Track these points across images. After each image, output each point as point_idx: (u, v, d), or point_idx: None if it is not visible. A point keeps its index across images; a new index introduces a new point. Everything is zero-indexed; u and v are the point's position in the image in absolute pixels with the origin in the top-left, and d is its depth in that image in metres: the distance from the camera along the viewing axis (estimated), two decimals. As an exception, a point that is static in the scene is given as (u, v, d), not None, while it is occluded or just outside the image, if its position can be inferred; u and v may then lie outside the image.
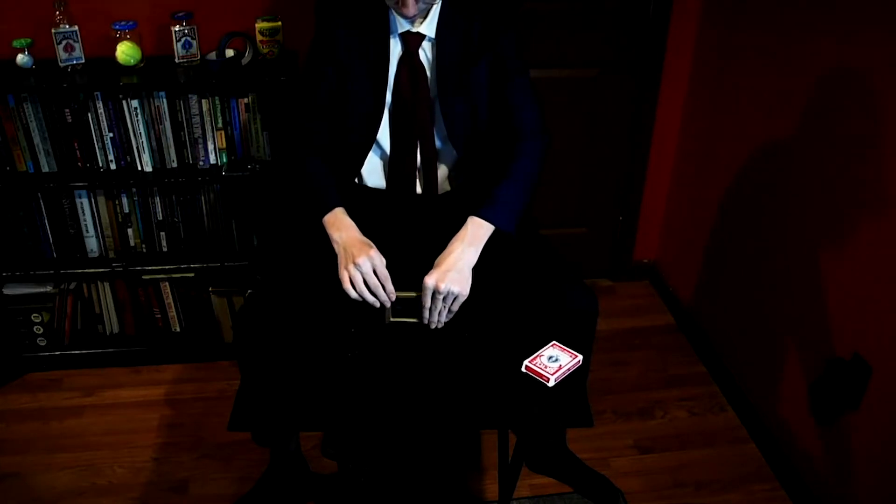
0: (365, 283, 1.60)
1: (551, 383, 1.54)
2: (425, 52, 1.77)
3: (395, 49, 1.76)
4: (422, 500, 2.06)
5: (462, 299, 1.61)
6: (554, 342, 1.62)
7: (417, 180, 1.86)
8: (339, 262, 1.63)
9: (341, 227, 1.67)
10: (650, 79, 2.60)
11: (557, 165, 2.71)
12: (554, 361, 1.57)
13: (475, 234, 1.65)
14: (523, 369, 1.57)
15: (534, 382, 1.55)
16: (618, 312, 2.81)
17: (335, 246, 1.66)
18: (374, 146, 1.84)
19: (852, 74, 1.79)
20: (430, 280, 1.59)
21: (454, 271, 1.60)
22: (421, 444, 2.19)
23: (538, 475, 2.11)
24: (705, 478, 2.12)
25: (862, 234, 1.78)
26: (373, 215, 1.86)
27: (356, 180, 1.90)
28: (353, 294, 1.60)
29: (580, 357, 1.59)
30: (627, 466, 2.16)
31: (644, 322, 2.77)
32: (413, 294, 1.64)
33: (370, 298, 1.61)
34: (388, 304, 1.63)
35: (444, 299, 1.60)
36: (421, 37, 1.75)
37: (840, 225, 1.85)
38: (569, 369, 1.57)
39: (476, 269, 1.66)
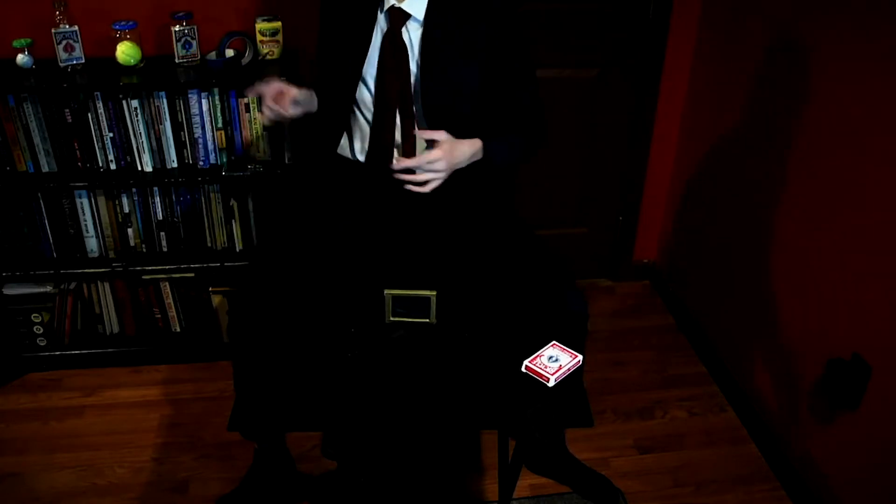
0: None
1: (551, 383, 1.54)
2: (409, 32, 1.78)
3: (383, 25, 1.79)
4: (422, 501, 2.06)
5: (441, 167, 1.71)
6: (554, 342, 1.62)
7: (395, 154, 1.87)
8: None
9: None
10: (650, 79, 2.60)
11: (557, 165, 2.71)
12: (554, 361, 1.57)
13: (477, 150, 1.77)
14: (523, 369, 1.57)
15: (534, 382, 1.55)
16: (618, 312, 2.81)
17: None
18: (364, 121, 1.86)
19: (854, 74, 1.79)
20: (438, 157, 1.68)
21: (458, 162, 1.74)
22: (421, 444, 2.19)
23: (538, 475, 2.10)
24: (705, 478, 2.12)
25: (862, 234, 1.78)
26: (354, 189, 1.88)
27: (339, 152, 1.93)
28: (268, 115, 1.73)
29: (580, 357, 1.59)
30: (627, 466, 2.15)
31: (644, 322, 2.77)
32: (413, 293, 1.64)
33: (275, 109, 1.72)
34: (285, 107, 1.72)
35: (435, 167, 1.70)
36: (405, 15, 1.76)
37: (840, 225, 1.85)
38: (569, 369, 1.57)
39: (475, 269, 1.68)
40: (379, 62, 1.79)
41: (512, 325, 1.72)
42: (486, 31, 1.76)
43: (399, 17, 1.76)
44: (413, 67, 1.79)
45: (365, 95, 1.83)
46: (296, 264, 1.82)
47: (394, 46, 1.77)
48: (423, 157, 1.68)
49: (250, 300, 1.76)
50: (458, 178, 1.91)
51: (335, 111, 1.88)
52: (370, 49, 1.79)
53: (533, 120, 1.88)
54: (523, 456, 2.08)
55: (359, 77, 1.81)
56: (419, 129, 1.80)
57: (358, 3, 1.81)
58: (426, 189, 1.71)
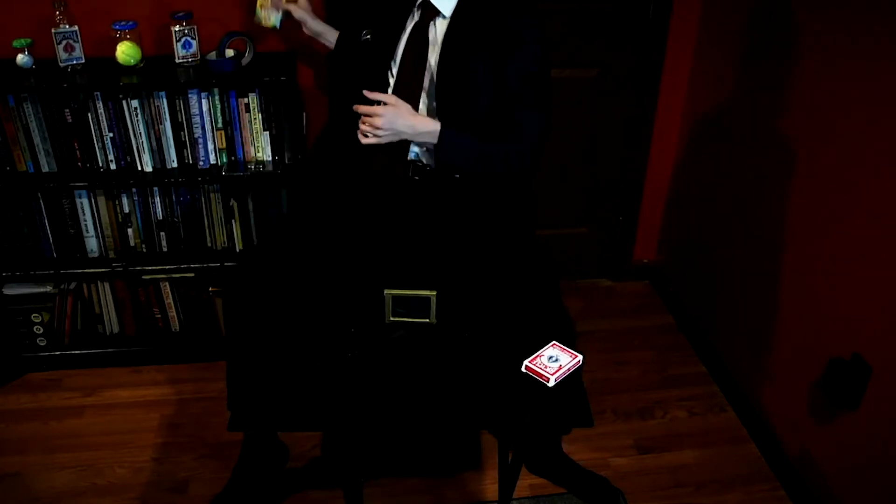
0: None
1: (551, 383, 1.54)
2: (435, 28, 1.82)
3: (416, 18, 1.85)
4: (422, 501, 2.06)
5: (379, 124, 1.75)
6: (554, 342, 1.62)
7: None
8: None
9: None
10: (650, 79, 2.60)
11: (557, 165, 2.71)
12: (554, 361, 1.57)
13: (429, 131, 1.78)
14: (523, 369, 1.57)
15: (534, 382, 1.55)
16: (618, 312, 2.81)
17: None
18: None
19: (853, 73, 1.79)
20: (379, 114, 1.74)
21: (401, 129, 1.76)
22: (421, 444, 2.19)
23: (537, 475, 2.10)
24: (705, 478, 2.12)
25: (862, 234, 1.78)
26: (358, 197, 1.91)
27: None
28: None
29: (580, 357, 1.59)
30: (627, 466, 2.15)
31: (644, 322, 2.77)
32: (413, 293, 1.64)
33: None
34: None
35: (374, 122, 1.75)
36: (434, 10, 1.79)
37: (840, 224, 1.85)
38: (569, 369, 1.57)
39: (476, 269, 1.69)
40: (404, 51, 1.85)
41: (512, 325, 1.72)
42: (505, 37, 1.77)
43: (429, 12, 1.81)
44: (433, 62, 1.82)
45: (391, 79, 1.89)
46: (295, 263, 1.83)
47: (418, 39, 1.82)
48: (369, 108, 1.75)
49: (244, 297, 1.76)
50: (466, 182, 1.91)
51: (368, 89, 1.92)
52: (401, 37, 1.86)
53: (519, 143, 1.80)
54: (523, 455, 2.08)
55: (387, 67, 1.88)
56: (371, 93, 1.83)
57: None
58: (363, 140, 1.78)
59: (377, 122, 1.74)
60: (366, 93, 1.78)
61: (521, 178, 1.94)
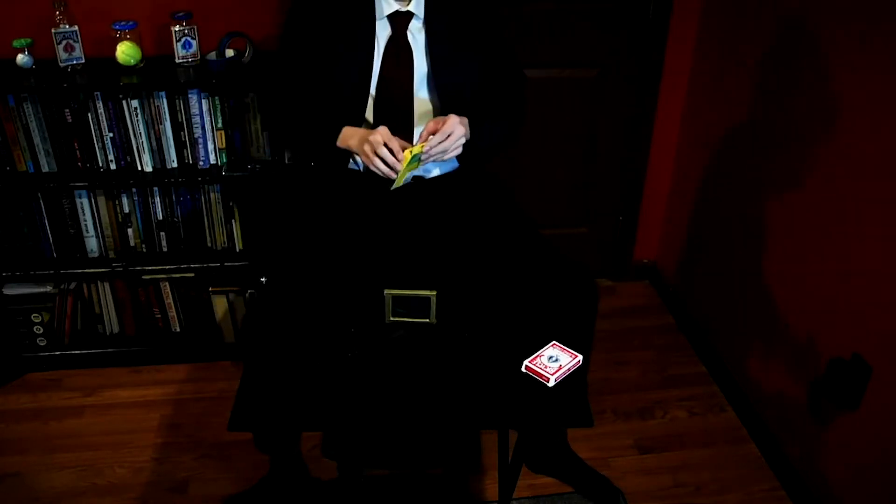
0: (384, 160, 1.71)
1: (551, 383, 1.54)
2: (412, 33, 1.80)
3: (384, 33, 1.80)
4: (422, 501, 2.06)
5: (458, 136, 1.73)
6: (554, 342, 1.62)
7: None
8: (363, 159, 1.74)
9: (352, 135, 1.77)
10: (650, 79, 2.60)
11: (557, 165, 2.71)
12: (554, 361, 1.57)
13: (468, 128, 1.77)
14: (523, 369, 1.57)
15: (534, 382, 1.55)
16: (618, 312, 2.81)
17: (356, 152, 1.77)
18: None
19: (852, 73, 1.79)
20: (456, 121, 1.70)
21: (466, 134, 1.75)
22: (421, 444, 2.19)
23: (538, 475, 2.10)
24: (705, 478, 2.12)
25: (862, 234, 1.78)
26: (355, 192, 1.90)
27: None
28: (383, 169, 1.71)
29: (580, 357, 1.59)
30: (627, 466, 2.16)
31: (644, 322, 2.77)
32: (413, 293, 1.64)
33: (390, 161, 1.70)
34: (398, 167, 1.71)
35: (455, 141, 1.72)
36: (409, 16, 1.78)
37: (840, 225, 1.85)
38: (569, 369, 1.57)
39: (476, 269, 1.71)
40: (382, 68, 1.80)
41: (512, 325, 1.72)
42: (479, 20, 1.80)
43: (403, 20, 1.78)
44: (422, 64, 1.81)
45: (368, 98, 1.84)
46: (299, 266, 1.83)
47: (399, 49, 1.79)
48: (442, 137, 1.70)
49: (263, 305, 1.76)
50: (454, 177, 1.92)
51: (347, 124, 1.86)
52: (373, 55, 1.80)
53: (514, 102, 1.92)
54: (524, 455, 2.08)
55: (368, 92, 1.81)
56: (420, 131, 1.79)
57: (350, 16, 1.80)
58: (448, 157, 1.75)
59: (458, 131, 1.71)
60: (422, 134, 1.73)
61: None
